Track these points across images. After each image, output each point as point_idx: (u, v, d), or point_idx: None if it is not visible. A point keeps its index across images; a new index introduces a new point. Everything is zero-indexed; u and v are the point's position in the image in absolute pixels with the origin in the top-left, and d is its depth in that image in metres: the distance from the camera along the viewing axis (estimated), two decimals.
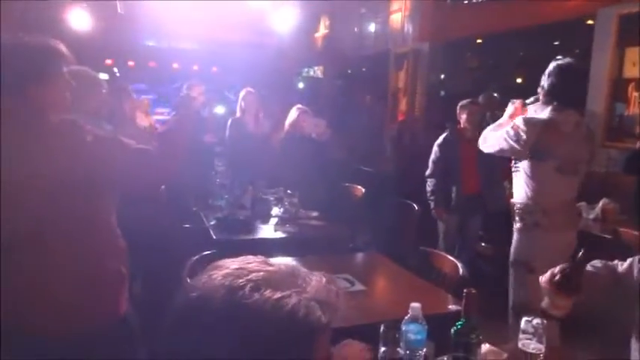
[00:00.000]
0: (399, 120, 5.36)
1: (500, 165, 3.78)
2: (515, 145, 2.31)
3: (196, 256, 2.08)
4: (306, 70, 10.48)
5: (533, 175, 2.38)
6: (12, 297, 1.51)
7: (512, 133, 2.32)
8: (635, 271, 1.41)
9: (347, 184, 4.25)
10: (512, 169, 2.52)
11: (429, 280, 2.25)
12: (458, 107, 3.81)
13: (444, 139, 3.78)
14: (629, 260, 1.46)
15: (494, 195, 3.73)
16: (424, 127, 5.43)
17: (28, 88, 1.56)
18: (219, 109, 6.04)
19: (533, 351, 1.31)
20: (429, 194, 3.83)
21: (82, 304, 1.61)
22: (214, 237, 2.81)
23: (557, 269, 1.30)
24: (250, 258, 0.69)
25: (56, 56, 1.63)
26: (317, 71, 10.31)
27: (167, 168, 1.74)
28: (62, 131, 1.59)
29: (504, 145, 2.37)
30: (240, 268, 0.66)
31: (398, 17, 7.19)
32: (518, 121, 2.34)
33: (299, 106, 4.20)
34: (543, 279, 1.32)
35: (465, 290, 1.27)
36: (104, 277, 1.68)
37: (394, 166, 5.24)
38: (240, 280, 0.63)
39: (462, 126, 3.77)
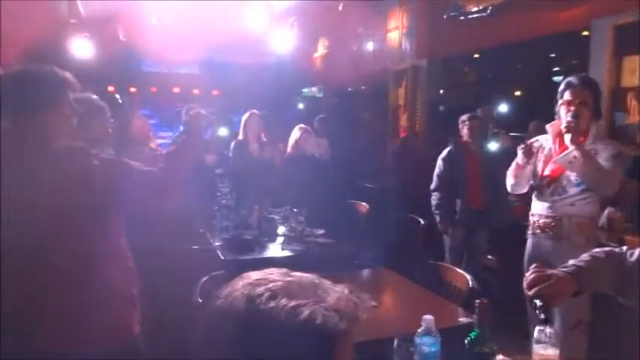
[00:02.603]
0: (402, 136, 5.39)
1: (504, 179, 3.80)
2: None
3: (206, 277, 2.08)
4: (305, 90, 10.58)
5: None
6: (23, 320, 1.51)
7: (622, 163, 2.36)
8: None
9: (351, 201, 4.26)
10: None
11: (438, 294, 2.24)
12: (459, 122, 3.85)
13: (448, 153, 3.80)
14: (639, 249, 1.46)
15: (499, 208, 3.74)
16: (426, 142, 5.46)
17: (35, 114, 1.59)
18: (222, 132, 6.09)
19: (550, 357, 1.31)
20: (434, 208, 3.84)
21: (92, 327, 1.61)
22: (222, 257, 2.81)
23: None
24: (274, 270, 0.71)
25: (62, 83, 1.67)
26: (316, 91, 10.41)
27: (174, 189, 1.76)
28: (69, 156, 1.62)
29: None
30: (262, 279, 0.68)
31: (395, 35, 7.28)
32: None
33: (301, 125, 4.24)
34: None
35: (477, 301, 1.27)
36: (115, 300, 1.68)
37: (397, 182, 5.25)
38: (259, 289, 0.66)
39: (464, 140, 3.79)
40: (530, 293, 1.40)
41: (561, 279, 1.44)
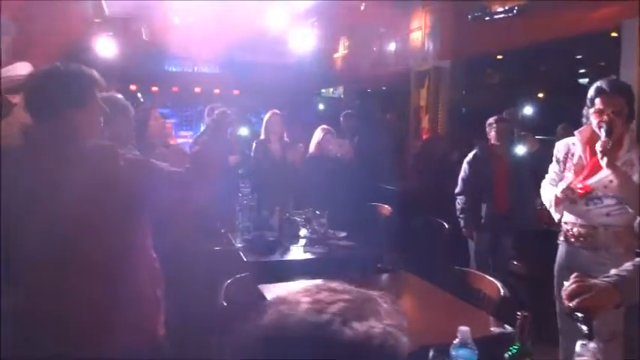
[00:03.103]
0: (424, 138, 5.32)
1: (531, 182, 3.71)
2: None
3: (230, 279, 2.06)
4: (325, 90, 10.54)
5: None
6: (48, 320, 1.50)
7: None
8: None
9: (373, 204, 4.20)
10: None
11: (466, 301, 2.18)
12: (486, 124, 3.77)
13: (474, 156, 3.73)
14: None
15: (525, 213, 3.65)
16: (448, 144, 5.38)
17: (64, 112, 1.58)
18: (243, 131, 6.09)
19: None
20: (459, 212, 3.77)
21: (118, 329, 1.59)
22: (245, 259, 2.78)
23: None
24: (311, 287, 0.65)
25: (90, 82, 1.66)
26: (337, 91, 10.36)
27: (201, 189, 1.73)
28: (97, 156, 1.60)
29: None
30: (317, 301, 0.61)
31: (418, 35, 7.20)
32: None
33: (324, 126, 4.20)
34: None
35: (519, 313, 1.21)
36: (140, 302, 1.67)
37: (419, 184, 5.18)
38: (325, 316, 0.59)
39: (491, 142, 3.71)
40: (571, 305, 1.33)
41: (604, 290, 1.37)
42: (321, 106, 9.93)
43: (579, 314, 1.31)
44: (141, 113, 3.17)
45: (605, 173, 2.25)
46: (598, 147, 2.21)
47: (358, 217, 3.80)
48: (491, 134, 3.69)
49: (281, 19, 7.73)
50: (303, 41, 8.19)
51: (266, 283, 2.42)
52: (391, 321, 0.59)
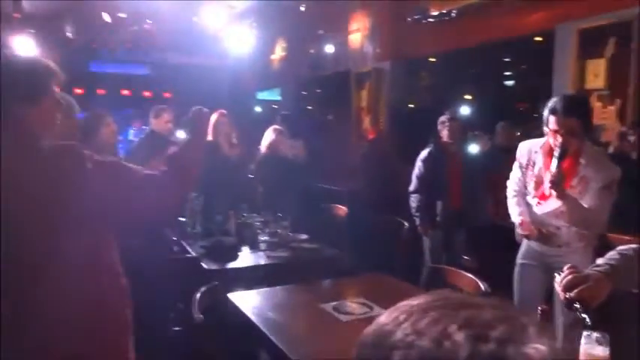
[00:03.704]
0: (370, 138, 5.34)
1: (482, 179, 3.81)
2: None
3: (203, 289, 1.90)
4: (263, 92, 10.38)
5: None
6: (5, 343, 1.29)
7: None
8: None
9: (329, 204, 4.14)
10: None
11: None
12: (439, 123, 3.82)
13: (429, 154, 3.76)
14: None
15: (477, 209, 3.74)
16: (394, 144, 5.43)
17: (18, 109, 1.38)
18: (180, 134, 5.84)
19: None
20: (414, 210, 3.78)
21: (81, 357, 1.40)
22: (205, 267, 2.61)
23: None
24: (430, 305, 0.49)
25: (47, 74, 1.46)
26: (274, 93, 10.24)
27: (178, 194, 1.58)
28: (58, 157, 1.41)
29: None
30: (467, 325, 0.45)
31: (357, 37, 7.25)
32: (618, 174, 2.27)
33: (275, 126, 4.08)
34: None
35: (539, 308, 1.18)
36: (107, 324, 1.47)
37: (368, 184, 5.19)
38: (491, 346, 0.44)
39: (444, 140, 3.76)
40: (569, 296, 1.33)
41: (598, 279, 1.38)
42: (258, 109, 9.75)
43: (578, 305, 1.31)
44: (92, 118, 2.90)
45: (557, 204, 2.27)
46: (548, 180, 2.21)
47: (314, 219, 3.72)
48: (444, 132, 3.75)
49: (218, 18, 7.51)
50: (241, 42, 8.01)
51: (232, 291, 2.28)
52: (549, 341, 0.47)
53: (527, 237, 2.48)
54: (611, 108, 4.16)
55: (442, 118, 3.81)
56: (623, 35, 4.11)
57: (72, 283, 1.40)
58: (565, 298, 1.34)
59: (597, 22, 4.26)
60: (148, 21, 6.15)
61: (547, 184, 2.25)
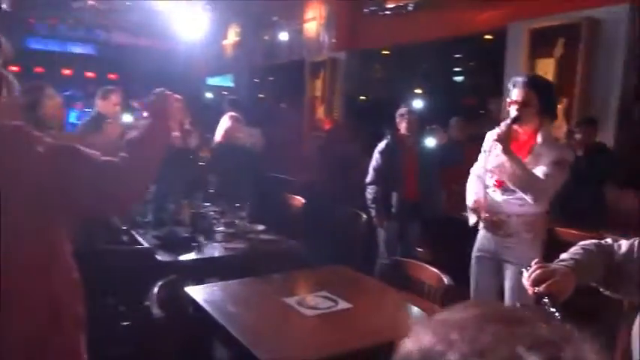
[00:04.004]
0: (327, 129, 5.31)
1: (438, 172, 3.86)
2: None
3: (160, 283, 1.80)
4: (215, 78, 10.12)
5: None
6: None
7: (566, 170, 2.30)
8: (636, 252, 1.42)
9: (285, 194, 4.07)
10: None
11: (405, 291, 2.17)
12: (397, 115, 3.82)
13: (386, 145, 3.76)
14: (627, 242, 1.47)
15: (432, 201, 3.79)
16: (350, 134, 5.42)
17: None
18: (127, 118, 5.57)
19: None
20: (370, 202, 3.78)
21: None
22: (160, 259, 2.49)
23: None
24: (474, 318, 0.45)
25: None
26: (226, 80, 10.01)
27: (140, 184, 1.47)
28: (4, 138, 1.27)
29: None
30: (535, 338, 0.42)
31: (313, 26, 7.17)
32: (570, 156, 2.33)
33: (232, 113, 3.95)
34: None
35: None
36: (59, 323, 1.36)
37: (323, 175, 5.16)
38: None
39: (401, 133, 3.78)
40: (538, 290, 1.35)
41: (565, 274, 1.40)
42: (209, 95, 9.49)
43: (546, 300, 1.32)
44: (30, 91, 2.67)
45: (501, 158, 2.34)
46: (495, 133, 2.31)
47: (270, 210, 3.65)
48: (402, 125, 3.76)
49: None
50: (192, 25, 7.74)
51: (188, 284, 2.19)
52: (598, 355, 0.43)
53: (478, 221, 2.52)
54: (559, 107, 4.31)
55: (400, 111, 3.82)
56: (571, 37, 4.27)
57: (21, 282, 1.28)
58: (534, 292, 1.36)
59: (548, 23, 4.41)
60: None
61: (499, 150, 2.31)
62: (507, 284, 2.45)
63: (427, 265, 2.15)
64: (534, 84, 2.41)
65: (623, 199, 3.94)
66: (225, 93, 10.11)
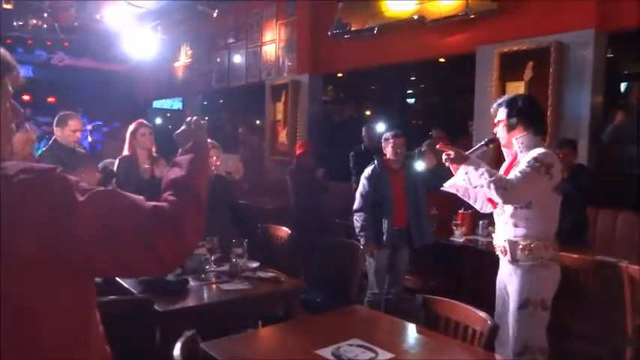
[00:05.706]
0: (298, 153, 5.12)
1: (426, 198, 3.77)
2: (549, 182, 2.22)
3: (179, 342, 1.53)
4: (163, 101, 9.68)
5: (549, 209, 2.30)
6: None
7: (543, 171, 2.19)
8: None
9: (267, 225, 3.82)
10: (498, 208, 2.37)
11: (440, 333, 2.01)
12: (382, 140, 3.72)
13: (372, 171, 3.63)
14: None
15: (422, 227, 3.68)
16: (316, 159, 5.27)
17: None
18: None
19: None
20: (358, 230, 3.61)
21: None
22: (159, 310, 2.18)
23: None
24: None
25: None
26: (176, 103, 9.61)
27: (200, 229, 1.18)
28: (39, 185, 1.00)
29: (537, 186, 2.24)
30: None
31: (272, 49, 7.02)
32: (549, 158, 2.23)
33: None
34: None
35: None
36: None
37: (299, 201, 4.97)
38: None
39: (387, 157, 3.67)
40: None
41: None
42: (158, 120, 9.02)
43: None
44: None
45: (460, 172, 2.33)
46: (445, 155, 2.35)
47: (249, 241, 3.38)
48: (388, 149, 3.65)
49: (117, 18, 6.82)
50: (142, 46, 7.36)
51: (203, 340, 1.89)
52: None
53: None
54: None
55: (386, 135, 3.72)
56: (540, 60, 4.38)
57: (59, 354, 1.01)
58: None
59: (517, 47, 4.50)
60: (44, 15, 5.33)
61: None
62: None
63: (465, 306, 1.98)
64: (504, 102, 2.41)
65: (602, 218, 4.03)
66: (169, 115, 9.69)
